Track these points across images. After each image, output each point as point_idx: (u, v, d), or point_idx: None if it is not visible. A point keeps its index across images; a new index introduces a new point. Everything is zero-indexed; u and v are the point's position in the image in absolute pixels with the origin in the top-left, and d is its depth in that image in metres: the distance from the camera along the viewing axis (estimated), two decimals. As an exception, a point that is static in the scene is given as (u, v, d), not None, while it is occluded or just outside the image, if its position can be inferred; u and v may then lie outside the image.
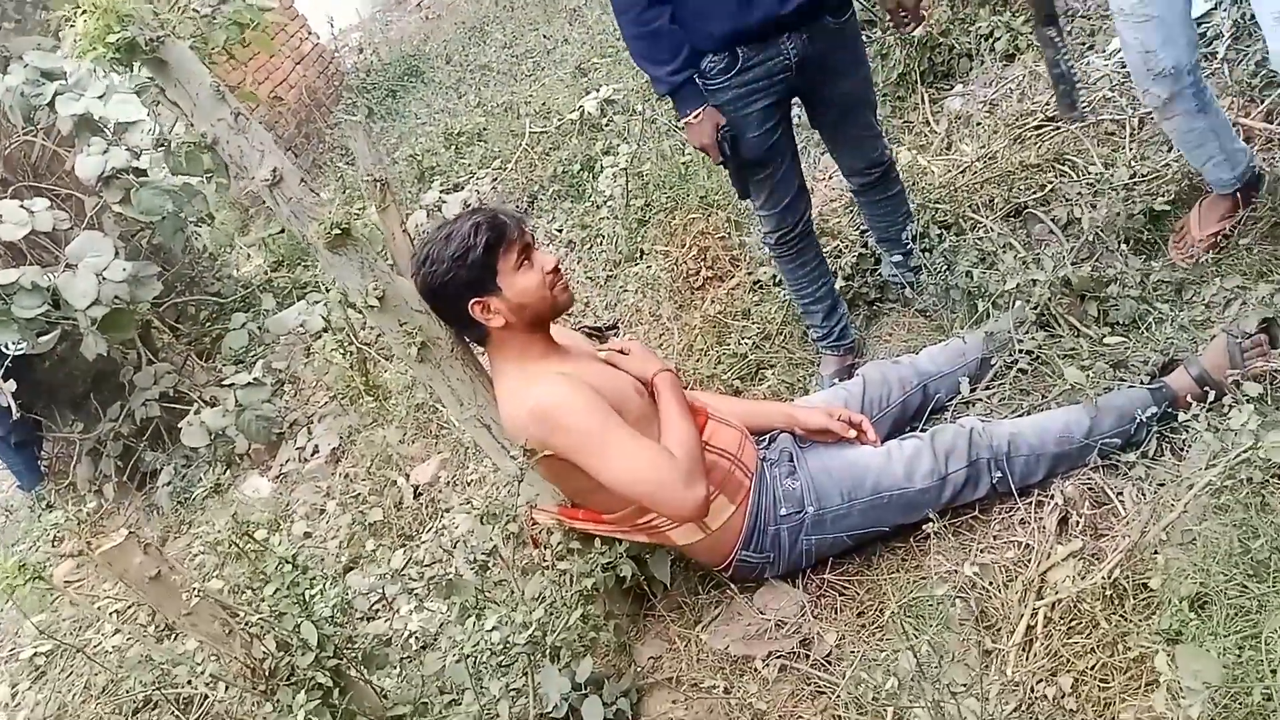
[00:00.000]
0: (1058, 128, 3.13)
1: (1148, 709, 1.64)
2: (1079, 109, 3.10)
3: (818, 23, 2.30)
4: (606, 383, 2.06)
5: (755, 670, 2.04)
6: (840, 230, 3.17)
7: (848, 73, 2.43)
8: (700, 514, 1.98)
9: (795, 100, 2.52)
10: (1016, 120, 3.29)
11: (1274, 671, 1.50)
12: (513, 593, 1.88)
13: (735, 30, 2.26)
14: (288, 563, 1.80)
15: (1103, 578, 1.82)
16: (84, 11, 1.85)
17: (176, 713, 2.62)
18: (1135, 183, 2.69)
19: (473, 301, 2.00)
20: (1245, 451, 1.67)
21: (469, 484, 3.17)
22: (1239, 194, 2.39)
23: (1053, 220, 2.68)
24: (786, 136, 2.49)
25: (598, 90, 4.93)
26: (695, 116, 2.31)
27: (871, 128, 2.56)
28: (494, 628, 1.77)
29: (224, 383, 4.23)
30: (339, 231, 1.82)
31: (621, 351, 2.22)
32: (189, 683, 2.45)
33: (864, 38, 2.51)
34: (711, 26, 2.26)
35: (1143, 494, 1.98)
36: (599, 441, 1.93)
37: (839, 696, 1.89)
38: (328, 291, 4.04)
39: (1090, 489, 2.05)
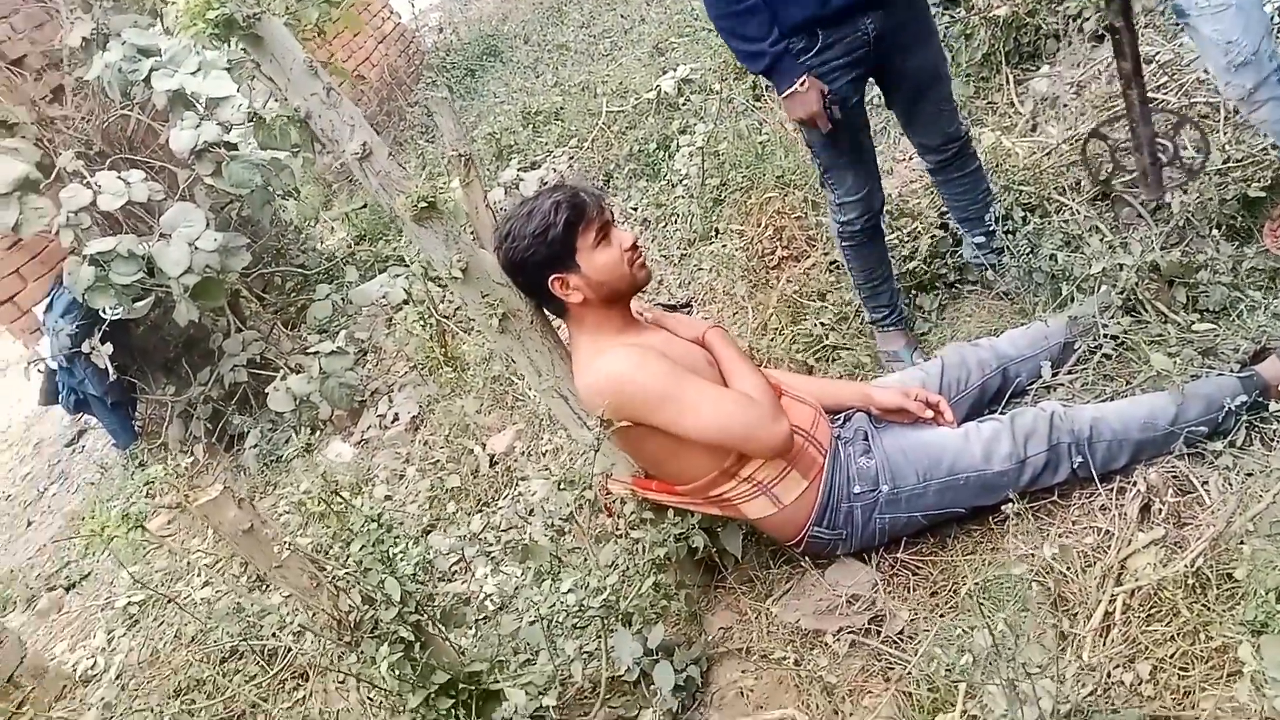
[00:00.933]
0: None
1: (1229, 699, 1.61)
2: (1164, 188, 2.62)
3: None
4: (679, 353, 2.09)
5: (825, 644, 2.05)
6: (920, 211, 3.15)
7: (922, 45, 2.42)
8: (789, 447, 2.03)
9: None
10: (1105, 103, 3.21)
11: (1363, 664, 1.47)
12: (587, 559, 1.92)
13: (815, 15, 2.28)
14: (373, 521, 1.86)
15: (1185, 566, 1.79)
16: (185, -11, 1.93)
17: (261, 663, 2.73)
18: (1229, 167, 2.62)
19: (553, 278, 2.04)
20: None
21: (543, 454, 3.22)
22: None
23: (1141, 204, 2.62)
24: (864, 120, 2.51)
25: (675, 70, 4.93)
26: (802, 84, 2.31)
27: (948, 101, 2.54)
28: (569, 590, 1.81)
29: (309, 351, 4.36)
30: (425, 205, 1.86)
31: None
32: (274, 635, 2.56)
33: (949, 17, 2.49)
34: (792, 12, 2.28)
35: (1229, 483, 1.94)
36: (677, 396, 1.97)
37: (910, 673, 1.90)
38: (409, 265, 4.13)
39: (1175, 477, 2.01)
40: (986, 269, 2.76)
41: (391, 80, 7.94)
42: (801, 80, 2.30)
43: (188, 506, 1.94)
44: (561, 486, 1.79)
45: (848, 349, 2.97)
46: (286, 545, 1.87)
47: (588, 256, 2.04)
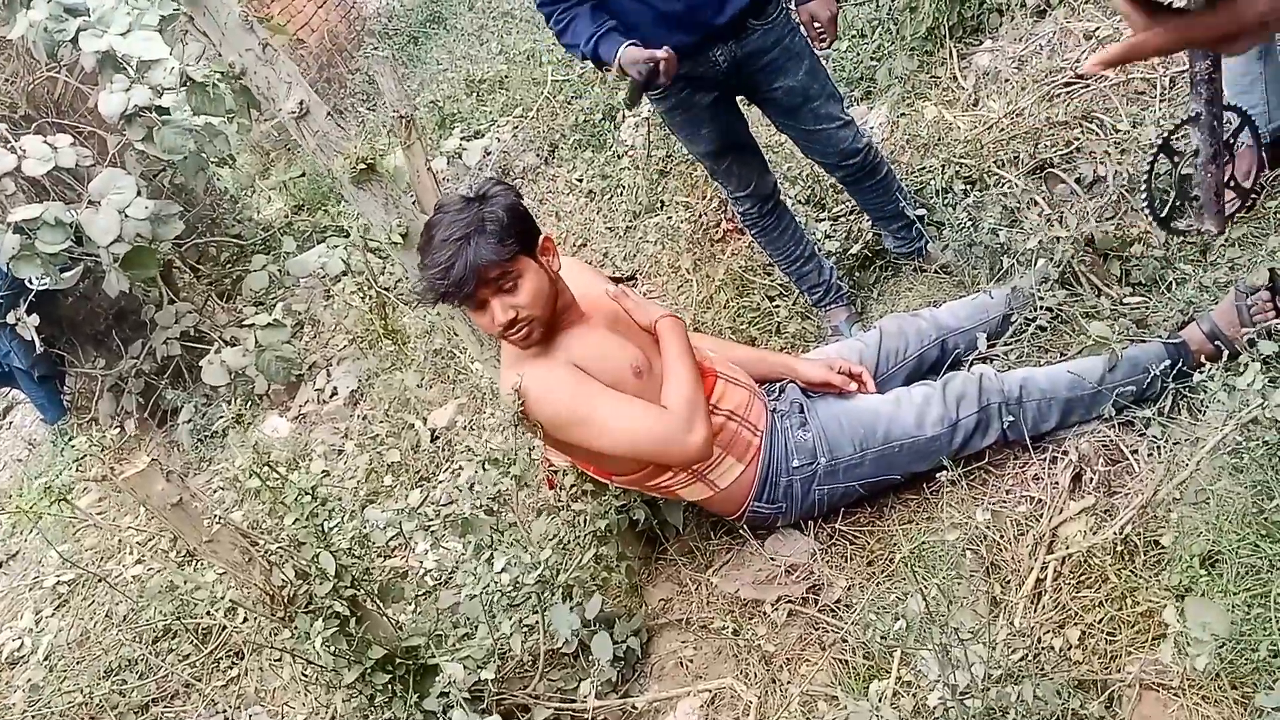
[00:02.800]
0: (1086, 85, 3.09)
1: (1154, 661, 1.65)
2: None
3: (744, 30, 2.29)
4: (599, 356, 2.04)
5: (764, 614, 2.07)
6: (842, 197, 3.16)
7: (785, 70, 2.38)
8: (705, 454, 2.00)
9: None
10: (1045, 77, 3.24)
11: (1281, 626, 1.51)
12: (523, 534, 1.91)
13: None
14: (306, 494, 1.82)
15: (1114, 533, 1.83)
16: (112, -60, 1.85)
17: (195, 641, 2.68)
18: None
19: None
20: (1254, 411, 1.67)
21: (486, 429, 3.19)
22: (1266, 152, 2.35)
23: (1078, 180, 2.65)
24: (739, 124, 2.53)
25: (622, 39, 4.87)
26: (622, 52, 2.17)
27: (832, 120, 2.47)
28: (503, 569, 1.80)
29: (244, 323, 4.27)
30: (364, 166, 1.82)
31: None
32: (208, 612, 2.51)
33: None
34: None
35: (1158, 452, 1.98)
36: (586, 418, 1.94)
37: (846, 640, 1.92)
38: (348, 235, 4.05)
39: (1105, 446, 2.05)
40: (915, 255, 2.77)
41: (332, 46, 7.74)
42: (618, 51, 2.18)
43: (114, 480, 1.88)
44: (486, 466, 1.76)
45: (792, 320, 2.97)
46: (217, 519, 1.83)
47: (478, 316, 1.97)
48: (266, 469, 1.92)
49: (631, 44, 2.15)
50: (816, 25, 2.40)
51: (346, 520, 1.92)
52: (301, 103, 1.78)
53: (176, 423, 4.35)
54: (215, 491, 3.67)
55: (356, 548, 1.97)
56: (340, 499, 3.17)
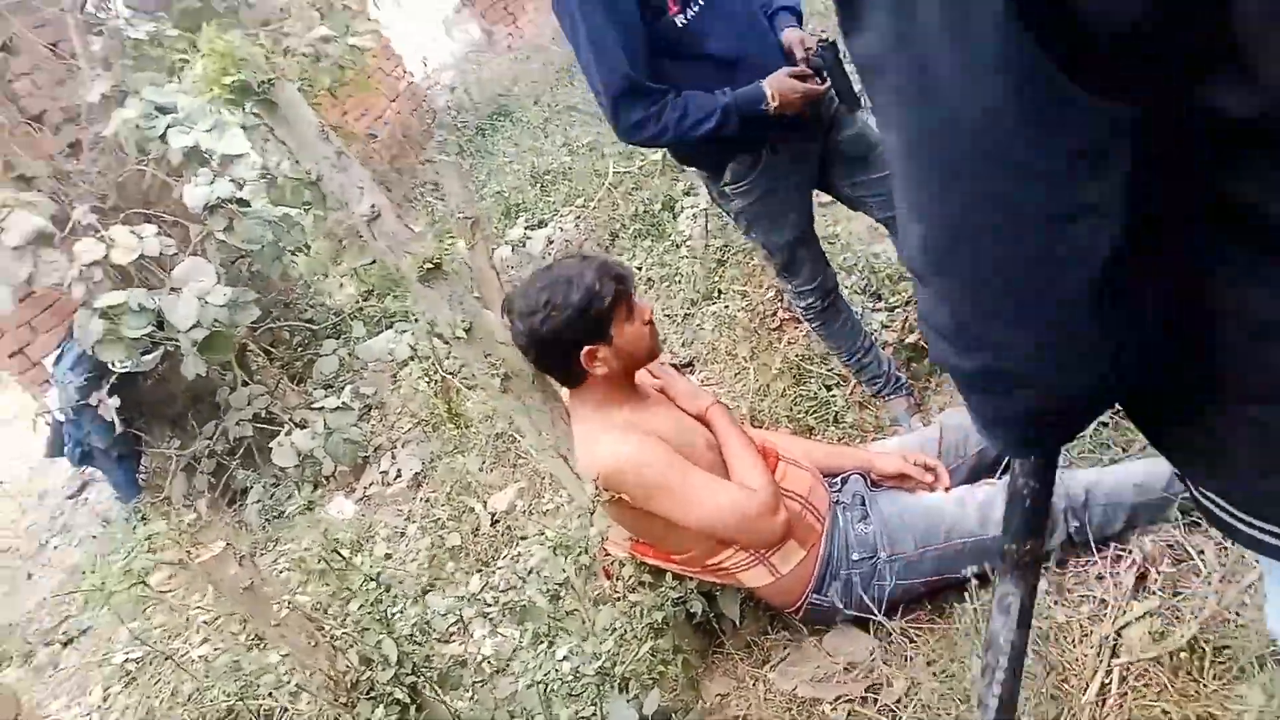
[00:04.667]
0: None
1: (1225, 774, 1.61)
2: None
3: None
4: (677, 431, 2.09)
5: (823, 713, 2.04)
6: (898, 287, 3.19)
7: (848, 120, 2.41)
8: (784, 536, 2.05)
9: None
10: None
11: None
12: (584, 622, 1.92)
13: (750, 133, 2.26)
14: (372, 580, 1.87)
15: (1181, 640, 1.79)
16: (204, 55, 1.99)
17: (257, 723, 2.71)
18: None
19: (585, 350, 2.02)
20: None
21: (545, 513, 3.23)
22: None
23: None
24: (813, 213, 2.55)
25: (682, 132, 5.01)
26: (773, 96, 2.19)
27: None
28: (565, 657, 1.81)
29: (314, 406, 4.38)
30: (431, 266, 1.90)
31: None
32: (270, 695, 2.55)
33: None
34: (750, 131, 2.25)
35: (1224, 553, 1.94)
36: (673, 489, 1.98)
37: (906, 742, 1.89)
38: (415, 321, 4.17)
39: (1170, 546, 2.02)
40: None
41: (403, 137, 8.08)
42: (771, 92, 2.20)
43: (189, 563, 1.95)
44: (557, 551, 1.79)
45: (850, 410, 2.98)
46: (286, 604, 1.88)
47: (620, 329, 2.03)
48: (334, 553, 1.98)
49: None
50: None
51: (409, 606, 1.95)
52: (374, 206, 1.88)
53: (245, 503, 4.46)
54: (281, 573, 3.74)
55: (418, 634, 2.00)
56: (402, 582, 3.21)
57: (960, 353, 0.69)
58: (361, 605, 1.85)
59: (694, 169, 2.62)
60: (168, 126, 4.14)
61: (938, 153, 0.60)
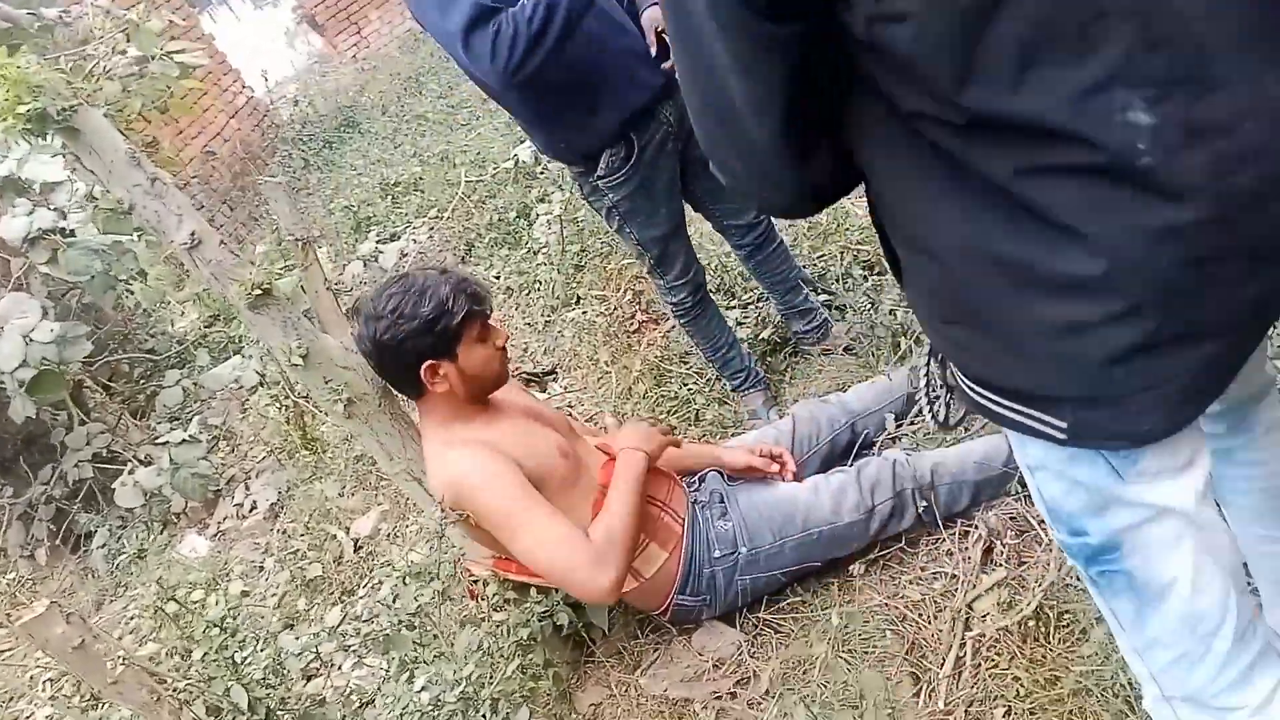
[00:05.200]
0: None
1: (1074, 730, 1.68)
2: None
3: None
4: (528, 449, 2.04)
5: (694, 714, 2.05)
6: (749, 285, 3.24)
7: None
8: (609, 599, 1.95)
9: None
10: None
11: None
12: (443, 650, 1.88)
13: (630, 115, 2.29)
14: (215, 626, 1.77)
15: (1028, 610, 1.87)
16: (-3, 84, 1.85)
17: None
18: None
19: (426, 365, 1.97)
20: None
21: (409, 536, 3.15)
22: None
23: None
24: (682, 207, 2.56)
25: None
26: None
27: None
28: (423, 688, 1.76)
29: (158, 441, 4.17)
30: (260, 291, 1.82)
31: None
32: (119, 754, 2.40)
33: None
34: (603, 120, 2.28)
35: (1062, 520, 2.03)
36: (508, 517, 1.92)
37: (772, 736, 1.91)
38: (258, 344, 4.01)
39: (1013, 518, 2.10)
40: (819, 337, 2.85)
41: (245, 155, 7.77)
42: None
43: (9, 625, 1.81)
44: (406, 581, 1.74)
45: (710, 407, 3.01)
46: (122, 660, 1.76)
47: (468, 349, 1.99)
48: (173, 603, 1.87)
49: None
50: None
51: (261, 648, 1.86)
52: (193, 234, 1.78)
53: (90, 548, 4.20)
54: (132, 619, 3.53)
55: (271, 677, 1.91)
56: (262, 618, 3.08)
57: (719, 174, 1.00)
58: (206, 653, 1.76)
59: (567, 166, 2.60)
60: (-26, 158, 3.87)
61: (685, 68, 0.91)
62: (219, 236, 1.81)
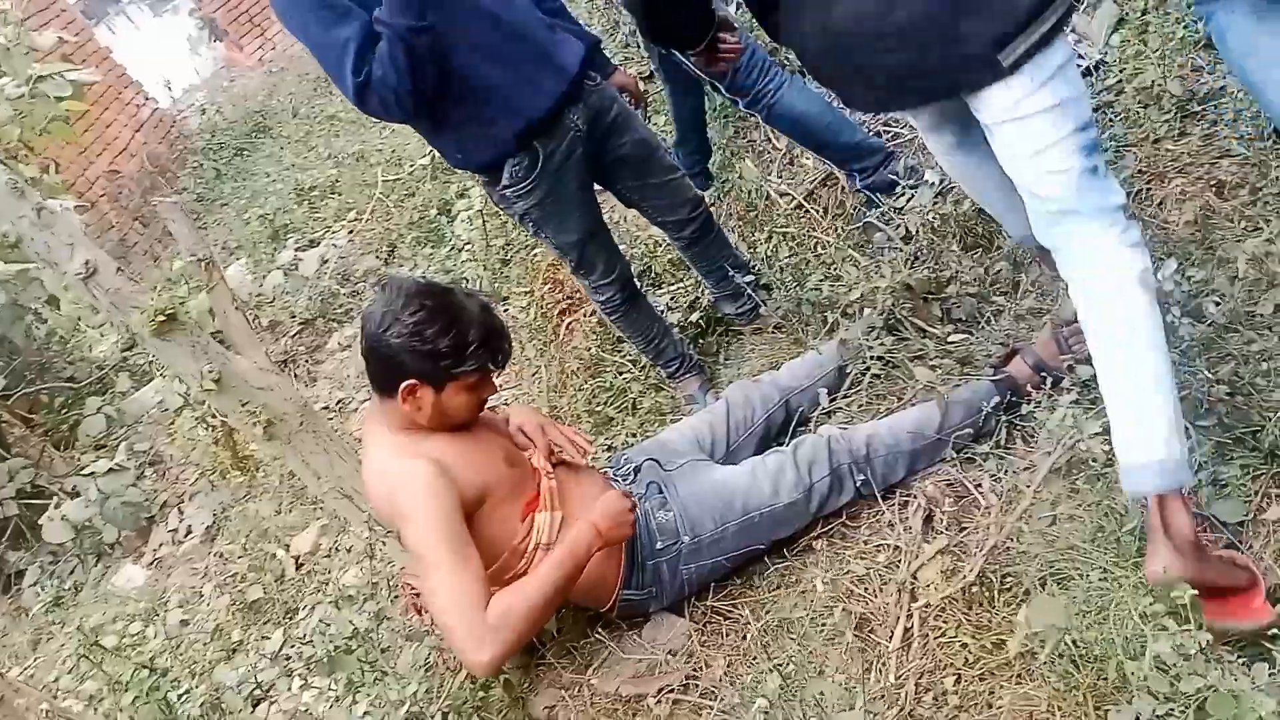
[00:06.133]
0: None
1: (1023, 695, 1.69)
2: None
3: (587, 86, 2.32)
4: (476, 466, 1.98)
5: (648, 709, 2.02)
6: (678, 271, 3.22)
7: (630, 123, 2.44)
8: (480, 675, 1.91)
9: None
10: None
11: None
12: (385, 671, 1.83)
13: (528, 124, 2.23)
14: (145, 668, 1.71)
15: (970, 576, 1.87)
16: None
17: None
18: (949, 186, 2.74)
19: (409, 383, 1.90)
20: (1073, 442, 1.76)
21: (351, 550, 3.08)
22: None
23: (895, 227, 2.76)
24: (598, 209, 2.53)
25: (447, 133, 4.89)
26: None
27: (674, 170, 2.56)
28: (366, 712, 1.72)
29: (84, 471, 4.03)
30: (163, 318, 1.74)
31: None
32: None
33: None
34: (500, 130, 2.23)
35: (999, 483, 2.05)
36: (423, 556, 1.84)
37: (724, 724, 1.89)
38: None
39: (950, 485, 2.11)
40: (750, 317, 2.85)
41: (154, 169, 7.52)
42: None
43: (-75, 687, 1.72)
44: (339, 605, 1.69)
45: (646, 395, 2.99)
46: (46, 714, 1.69)
47: (456, 391, 1.94)
48: (110, 638, 1.80)
49: None
50: (625, 94, 2.48)
51: (195, 685, 1.80)
52: (87, 263, 1.70)
53: (22, 587, 4.05)
54: (68, 658, 3.41)
55: (211, 713, 1.85)
56: (205, 646, 2.98)
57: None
58: (136, 697, 1.69)
59: (474, 174, 2.55)
60: None
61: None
62: (115, 264, 1.73)
